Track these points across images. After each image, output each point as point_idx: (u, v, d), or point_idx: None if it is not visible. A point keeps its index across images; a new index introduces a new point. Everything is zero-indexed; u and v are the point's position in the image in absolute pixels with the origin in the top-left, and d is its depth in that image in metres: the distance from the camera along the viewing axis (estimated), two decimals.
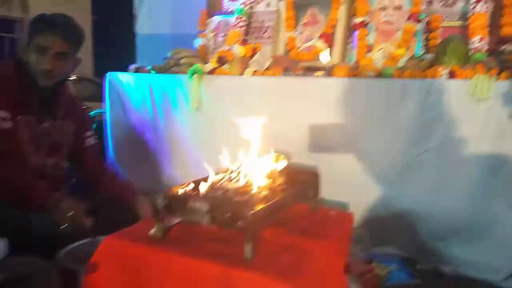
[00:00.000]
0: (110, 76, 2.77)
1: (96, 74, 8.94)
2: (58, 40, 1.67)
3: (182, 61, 2.54)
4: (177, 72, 2.55)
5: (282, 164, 1.88)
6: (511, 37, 2.23)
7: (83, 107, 2.08)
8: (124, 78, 2.73)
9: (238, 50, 2.42)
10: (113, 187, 1.89)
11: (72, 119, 1.86)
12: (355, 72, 2.13)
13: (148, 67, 2.87)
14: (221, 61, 2.43)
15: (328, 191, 2.11)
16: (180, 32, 4.57)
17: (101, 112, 2.99)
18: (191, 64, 2.48)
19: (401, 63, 2.34)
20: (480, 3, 2.24)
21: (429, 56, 2.36)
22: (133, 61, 5.32)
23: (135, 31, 5.17)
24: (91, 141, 1.94)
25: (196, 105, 2.43)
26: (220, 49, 2.91)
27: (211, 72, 2.44)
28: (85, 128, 1.93)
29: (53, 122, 1.77)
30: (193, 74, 2.39)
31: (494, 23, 2.30)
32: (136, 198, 1.82)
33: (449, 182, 1.92)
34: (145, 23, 5.03)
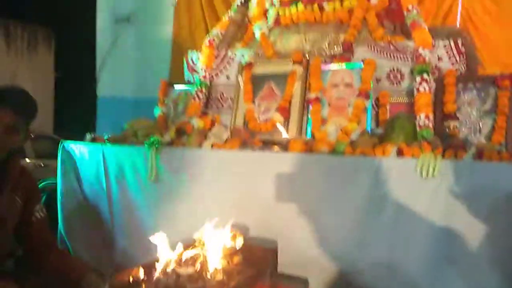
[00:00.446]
0: (63, 145, 2.71)
1: (56, 132, 8.75)
2: (8, 113, 1.65)
3: (139, 132, 2.53)
4: (134, 144, 2.53)
5: (239, 242, 1.85)
6: (453, 114, 2.41)
7: (32, 180, 2.01)
8: (79, 148, 2.67)
9: (197, 122, 2.45)
10: (60, 264, 1.83)
11: (20, 193, 1.80)
12: (310, 146, 2.20)
13: (105, 135, 2.83)
14: (180, 133, 2.44)
15: (287, 266, 2.10)
16: (142, 95, 4.63)
17: (52, 182, 2.88)
18: (148, 135, 2.47)
19: (353, 136, 2.45)
20: (423, 83, 2.42)
21: (379, 130, 2.49)
22: (93, 121, 5.30)
23: (96, 93, 5.17)
24: (38, 215, 1.88)
25: (152, 177, 2.39)
26: (180, 119, 2.96)
27: (169, 144, 2.44)
28: (34, 201, 1.87)
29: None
30: (150, 145, 2.37)
31: (438, 101, 2.48)
32: (84, 279, 1.74)
33: (402, 257, 1.94)
34: (107, 86, 5.05)
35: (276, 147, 2.23)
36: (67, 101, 10.80)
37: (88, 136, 2.70)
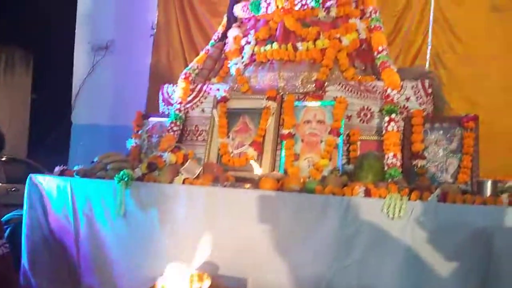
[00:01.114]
0: (31, 177, 2.64)
1: (30, 155, 8.53)
2: None
3: (109, 166, 2.49)
4: (104, 178, 2.49)
5: (206, 284, 1.82)
6: (421, 153, 2.48)
7: None
8: (47, 181, 2.61)
9: (169, 157, 2.44)
10: None
11: None
12: (281, 184, 2.21)
13: (76, 166, 2.78)
14: (151, 167, 2.42)
15: None
16: (118, 124, 4.59)
17: (18, 214, 2.79)
18: (119, 169, 2.44)
19: (325, 172, 2.49)
20: (392, 123, 2.49)
21: (350, 167, 2.53)
22: (67, 147, 5.20)
23: (71, 121, 5.11)
24: (0, 251, 1.82)
25: (121, 212, 2.34)
26: (153, 151, 2.94)
27: (141, 178, 2.41)
28: None
29: None
30: (119, 180, 2.34)
31: (406, 139, 2.55)
32: None
33: None
34: (82, 113, 5.00)
35: (247, 185, 2.23)
36: (42, 125, 10.59)
37: (57, 168, 2.65)
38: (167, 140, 2.82)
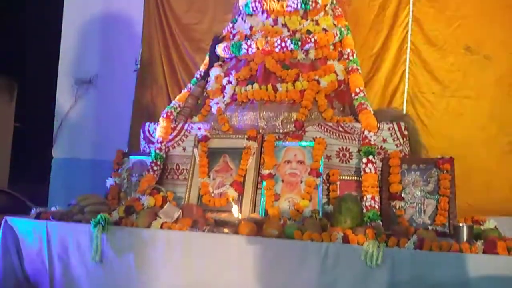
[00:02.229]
0: (5, 220, 2.58)
1: (11, 185, 8.32)
2: None
3: (87, 209, 2.45)
4: (80, 221, 2.45)
5: None
6: (398, 195, 2.51)
7: None
8: (22, 223, 2.55)
9: (147, 200, 2.41)
10: None
11: None
12: (259, 229, 2.20)
13: (52, 208, 2.73)
14: (129, 211, 2.39)
15: None
16: (99, 158, 4.55)
17: None
18: (97, 212, 2.40)
19: (305, 212, 2.49)
20: (369, 165, 2.53)
21: (330, 207, 2.55)
22: (48, 179, 5.10)
23: (52, 154, 5.03)
24: None
25: (97, 257, 2.29)
26: (133, 191, 2.91)
27: (118, 222, 2.37)
28: None
29: None
30: (96, 224, 2.30)
31: (384, 180, 2.58)
32: None
33: None
34: (63, 147, 4.93)
35: (226, 229, 2.21)
36: (24, 154, 10.40)
37: (33, 211, 2.60)
38: (147, 180, 2.80)
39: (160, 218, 2.28)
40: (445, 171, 2.47)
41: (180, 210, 2.35)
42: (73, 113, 4.88)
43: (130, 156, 3.12)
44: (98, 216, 2.31)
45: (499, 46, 3.47)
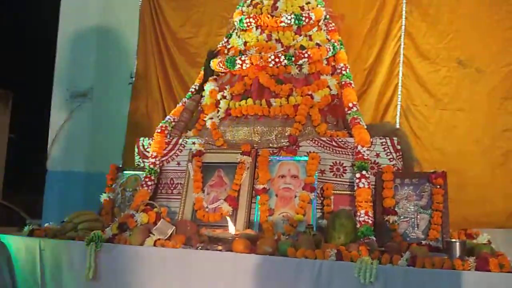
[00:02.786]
0: None
1: (5, 196, 8.27)
2: None
3: (80, 226, 2.45)
4: (74, 238, 2.44)
5: None
6: (392, 209, 2.52)
7: None
8: (15, 241, 2.53)
9: (141, 217, 2.40)
10: None
11: None
12: (253, 245, 2.19)
13: (46, 224, 2.72)
14: (122, 228, 2.38)
15: None
16: (93, 171, 4.54)
17: None
18: (90, 230, 2.39)
19: (300, 227, 2.50)
20: (363, 180, 2.54)
21: (324, 222, 2.55)
22: (42, 192, 5.07)
23: (46, 167, 5.01)
24: None
25: (90, 276, 2.28)
26: (127, 206, 2.90)
27: (111, 239, 2.36)
28: None
29: None
30: (89, 242, 2.29)
31: (378, 194, 2.59)
32: None
33: None
34: (57, 160, 4.92)
35: (220, 246, 2.21)
36: (18, 165, 10.37)
37: (26, 228, 2.58)
38: (141, 195, 2.80)
39: (154, 235, 2.27)
40: (438, 186, 2.49)
41: (174, 227, 2.34)
42: (67, 126, 4.86)
43: (124, 171, 3.12)
44: (92, 234, 2.30)
45: (491, 60, 3.51)
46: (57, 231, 2.51)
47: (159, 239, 2.27)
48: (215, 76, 3.32)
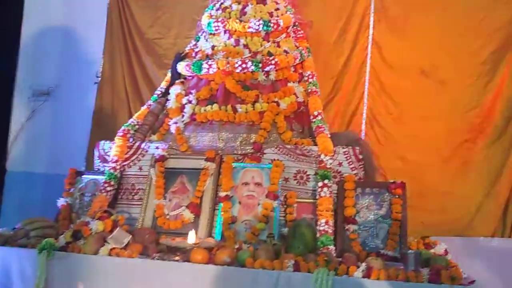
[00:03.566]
0: None
1: None
2: None
3: (32, 233, 2.34)
4: (25, 246, 2.33)
5: None
6: (353, 218, 2.54)
7: None
8: None
9: (96, 225, 2.32)
10: None
11: None
12: (212, 255, 2.16)
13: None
14: (76, 236, 2.29)
15: None
16: (55, 173, 4.38)
17: None
18: (43, 237, 2.30)
19: (262, 235, 2.49)
20: (325, 188, 2.55)
21: (286, 230, 2.54)
22: (1, 194, 4.86)
23: (6, 168, 4.80)
24: None
25: (41, 285, 2.18)
26: (86, 210, 2.81)
27: (64, 247, 2.27)
28: None
29: None
30: (41, 250, 2.19)
31: (339, 203, 2.60)
32: None
33: None
34: (18, 160, 4.72)
35: (177, 257, 2.16)
36: None
37: None
38: (99, 201, 2.71)
39: (109, 244, 2.20)
40: (397, 196, 2.53)
41: (130, 236, 2.28)
42: (29, 125, 4.67)
43: (83, 175, 3.02)
44: (44, 241, 2.21)
45: (453, 71, 3.61)
46: (8, 238, 2.39)
47: (114, 248, 2.20)
48: (182, 79, 3.26)
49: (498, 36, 3.56)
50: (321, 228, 2.42)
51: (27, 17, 4.87)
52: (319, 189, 2.57)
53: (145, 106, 3.33)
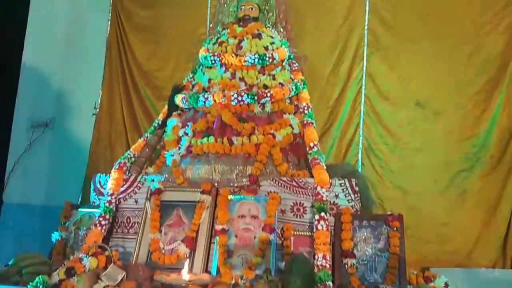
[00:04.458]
0: None
1: None
2: None
3: (25, 270, 2.30)
4: (18, 283, 2.29)
5: None
6: (350, 252, 2.50)
7: None
8: None
9: (89, 262, 2.29)
10: None
11: None
12: None
13: None
14: (69, 273, 2.25)
15: None
16: (52, 204, 4.35)
17: None
18: (36, 274, 2.25)
19: (258, 270, 2.44)
20: (321, 221, 2.53)
21: (283, 264, 2.50)
22: None
23: (2, 199, 4.77)
24: None
25: None
26: (80, 247, 2.77)
27: (57, 285, 2.23)
28: None
29: None
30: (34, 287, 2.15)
31: (337, 236, 2.58)
32: None
33: None
34: (15, 192, 4.70)
35: None
36: None
37: None
38: (93, 235, 2.68)
39: (102, 281, 2.16)
40: (394, 229, 2.50)
41: (124, 272, 2.24)
42: (27, 157, 4.68)
43: (79, 209, 3.00)
44: (36, 279, 2.17)
45: (447, 102, 3.66)
46: (1, 275, 2.35)
47: (108, 285, 2.16)
48: (179, 112, 3.30)
49: (490, 66, 3.63)
50: (319, 263, 2.38)
51: (27, 49, 4.97)
52: (316, 222, 2.54)
53: (142, 139, 3.34)
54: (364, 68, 3.79)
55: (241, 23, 3.36)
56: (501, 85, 3.56)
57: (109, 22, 4.50)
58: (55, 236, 2.88)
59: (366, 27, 3.79)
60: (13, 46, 5.04)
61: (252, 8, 3.39)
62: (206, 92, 3.13)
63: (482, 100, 3.58)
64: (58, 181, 4.43)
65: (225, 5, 3.58)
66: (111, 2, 4.52)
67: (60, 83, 4.75)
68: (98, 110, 4.43)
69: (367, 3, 3.80)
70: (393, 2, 3.76)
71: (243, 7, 3.40)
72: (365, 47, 3.81)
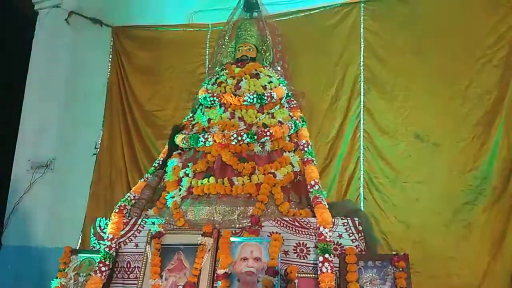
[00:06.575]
0: None
1: None
2: None
3: None
4: None
5: None
6: None
7: None
8: None
9: None
10: None
11: None
12: None
13: None
14: None
15: None
16: (52, 247, 4.30)
17: None
18: None
19: None
20: (326, 263, 2.47)
21: None
22: None
23: (1, 242, 4.71)
24: None
25: None
26: None
27: None
28: None
29: None
30: None
31: (342, 277, 2.51)
32: None
33: None
34: (14, 234, 4.64)
35: None
36: None
37: None
38: (93, 283, 2.63)
39: None
40: (400, 269, 2.45)
41: None
42: (26, 198, 4.66)
43: (79, 254, 2.95)
44: None
45: (446, 135, 3.64)
46: None
47: None
48: (179, 151, 3.30)
49: (488, 98, 3.61)
50: None
51: (28, 90, 5.04)
52: (320, 264, 2.49)
53: (142, 179, 3.33)
54: (362, 103, 3.81)
55: (239, 64, 3.43)
56: (499, 117, 3.55)
57: (110, 64, 4.58)
58: (55, 283, 2.82)
59: (361, 64, 3.84)
60: (14, 88, 5.12)
61: (249, 49, 3.46)
62: (206, 132, 3.15)
63: (481, 132, 3.57)
64: (58, 223, 4.38)
65: (223, 46, 3.66)
66: (111, 44, 4.61)
67: (60, 124, 4.79)
68: (98, 150, 4.44)
69: (362, 40, 3.87)
70: (387, 39, 3.82)
71: (240, 48, 3.47)
72: (362, 83, 3.85)
